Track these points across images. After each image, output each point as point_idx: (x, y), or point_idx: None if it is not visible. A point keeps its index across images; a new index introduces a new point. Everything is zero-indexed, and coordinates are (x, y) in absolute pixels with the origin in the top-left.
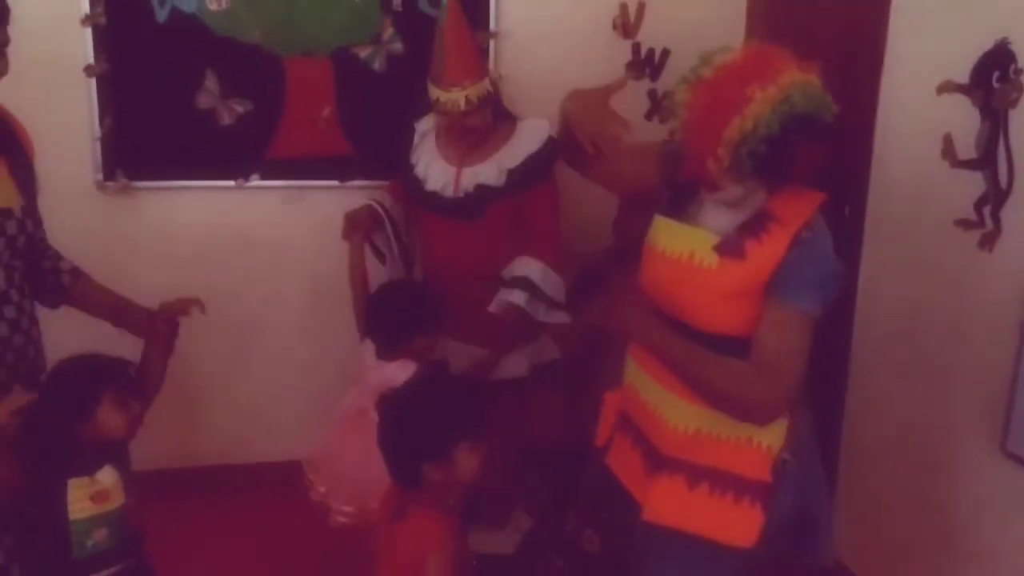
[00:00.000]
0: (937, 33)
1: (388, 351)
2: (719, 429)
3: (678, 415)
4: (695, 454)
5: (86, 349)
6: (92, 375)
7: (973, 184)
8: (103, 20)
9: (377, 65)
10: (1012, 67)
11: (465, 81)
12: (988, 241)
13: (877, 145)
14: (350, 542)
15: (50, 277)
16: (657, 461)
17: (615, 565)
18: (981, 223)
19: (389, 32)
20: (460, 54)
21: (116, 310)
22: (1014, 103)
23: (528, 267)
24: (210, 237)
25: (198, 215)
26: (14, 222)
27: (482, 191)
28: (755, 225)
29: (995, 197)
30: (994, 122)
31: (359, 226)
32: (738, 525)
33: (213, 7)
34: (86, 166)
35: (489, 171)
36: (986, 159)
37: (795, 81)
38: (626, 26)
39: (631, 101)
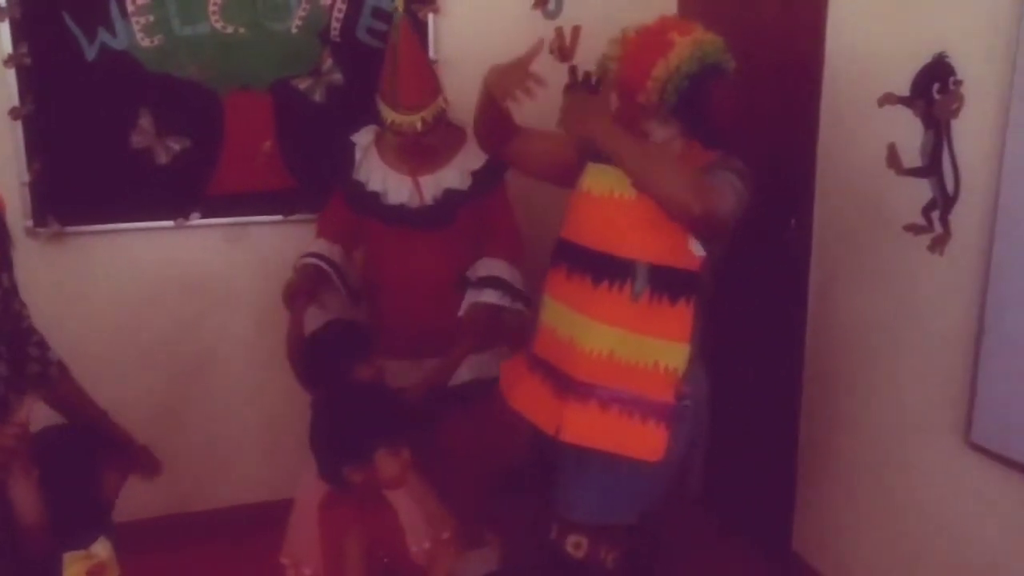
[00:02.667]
0: (873, 48)
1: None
2: (629, 353)
3: (593, 339)
4: (607, 379)
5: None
6: (91, 438)
7: (919, 191)
8: (28, 60)
9: (317, 96)
10: (951, 79)
11: (420, 103)
12: (939, 244)
13: (820, 157)
14: None
15: (36, 365)
16: (569, 386)
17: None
18: (930, 227)
19: (328, 63)
20: (415, 76)
21: (96, 421)
22: (955, 113)
23: (494, 266)
24: (151, 280)
25: (137, 258)
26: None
27: (451, 195)
28: None
29: (943, 202)
30: (937, 131)
31: (301, 291)
32: (645, 441)
33: (145, 43)
34: (15, 213)
35: (453, 176)
36: (932, 167)
37: (706, 36)
38: (562, 49)
39: None
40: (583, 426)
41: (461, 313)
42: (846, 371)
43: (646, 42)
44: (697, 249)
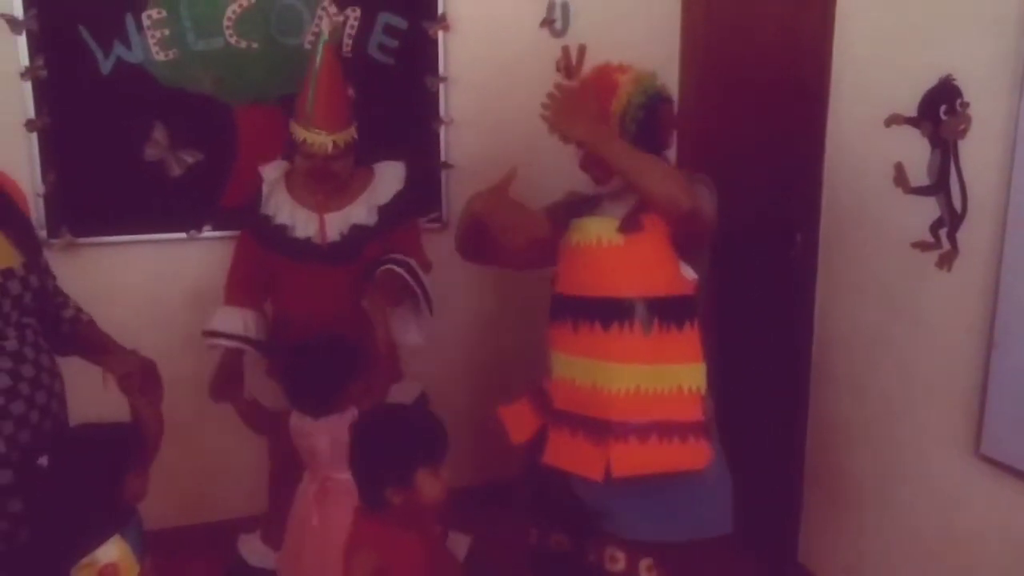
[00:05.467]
0: (879, 70)
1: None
2: (654, 384)
3: (617, 380)
4: (638, 413)
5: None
6: (117, 442)
7: (925, 209)
8: (44, 73)
9: None
10: (958, 101)
11: (334, 126)
12: (946, 261)
13: (827, 174)
14: None
15: (54, 328)
16: (605, 429)
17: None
18: (938, 244)
19: None
20: (332, 99)
21: (103, 354)
22: (962, 134)
23: (404, 257)
24: (163, 292)
25: (149, 269)
26: (17, 281)
27: (357, 232)
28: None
29: (951, 220)
30: (944, 151)
31: (230, 383)
32: (690, 455)
33: (160, 57)
34: None
35: (359, 212)
36: (939, 185)
37: (641, 71)
38: (568, 68)
39: None
40: (631, 460)
41: (366, 277)
42: (853, 385)
43: (594, 88)
44: (688, 273)
